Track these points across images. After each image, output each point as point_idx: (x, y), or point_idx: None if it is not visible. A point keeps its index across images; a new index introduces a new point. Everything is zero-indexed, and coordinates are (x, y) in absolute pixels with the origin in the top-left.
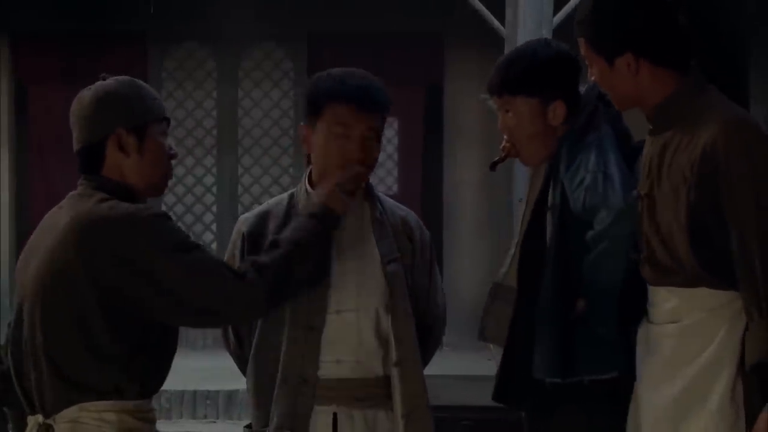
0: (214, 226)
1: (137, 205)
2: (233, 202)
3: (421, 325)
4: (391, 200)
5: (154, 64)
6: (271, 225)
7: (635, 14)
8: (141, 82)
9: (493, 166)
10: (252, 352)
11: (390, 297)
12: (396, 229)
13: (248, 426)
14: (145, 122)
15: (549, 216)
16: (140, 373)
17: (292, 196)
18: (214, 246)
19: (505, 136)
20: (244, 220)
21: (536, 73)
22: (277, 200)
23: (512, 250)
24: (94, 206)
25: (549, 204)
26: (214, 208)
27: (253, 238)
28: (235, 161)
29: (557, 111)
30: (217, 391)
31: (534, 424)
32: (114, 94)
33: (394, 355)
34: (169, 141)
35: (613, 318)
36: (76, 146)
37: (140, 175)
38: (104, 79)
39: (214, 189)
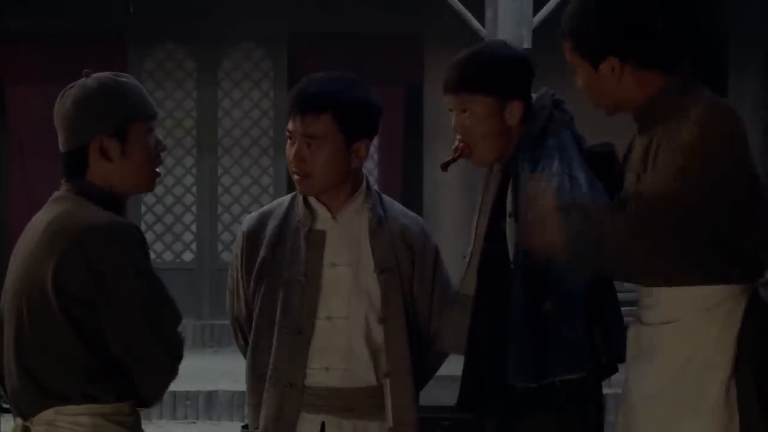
0: (194, 227)
1: (116, 217)
2: (213, 202)
3: (421, 337)
4: (400, 206)
5: (134, 65)
6: (270, 225)
7: (617, 18)
8: (125, 79)
9: (445, 166)
10: (248, 353)
11: (383, 306)
12: (396, 236)
13: (245, 426)
14: (126, 125)
15: (509, 221)
16: (110, 379)
17: (294, 198)
18: (194, 246)
19: (458, 136)
20: (248, 219)
21: (496, 71)
22: (279, 201)
23: (467, 258)
24: (72, 212)
25: (509, 209)
26: (194, 209)
27: (252, 237)
28: (215, 161)
29: (514, 111)
30: (197, 392)
31: (503, 430)
32: (94, 98)
33: (384, 366)
34: (157, 134)
35: (579, 319)
36: (61, 148)
37: (126, 178)
38: (87, 76)
39: (194, 189)
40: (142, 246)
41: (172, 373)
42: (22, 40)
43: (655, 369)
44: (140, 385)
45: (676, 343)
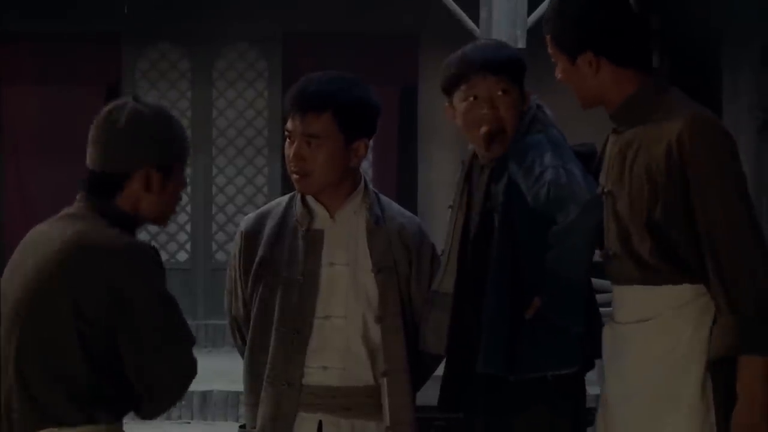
0: (188, 227)
1: (138, 239)
2: (207, 202)
3: (418, 336)
4: (397, 206)
5: (128, 65)
6: (268, 225)
7: (596, 13)
8: (171, 114)
9: (488, 143)
10: (246, 352)
11: (380, 306)
12: (393, 236)
13: (242, 426)
14: (173, 163)
15: (495, 216)
16: (112, 399)
17: (292, 198)
18: (188, 246)
19: (485, 119)
20: (246, 219)
21: (520, 59)
22: (277, 201)
23: (445, 257)
24: (91, 232)
25: (495, 204)
26: (188, 208)
27: (250, 237)
28: (210, 161)
29: (527, 100)
30: (192, 392)
31: (493, 427)
32: (151, 128)
33: (382, 365)
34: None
35: (581, 313)
36: (92, 165)
37: (156, 210)
38: (136, 100)
39: (188, 189)
40: (162, 269)
41: (182, 391)
42: (17, 40)
43: (631, 367)
44: (147, 404)
45: (651, 340)
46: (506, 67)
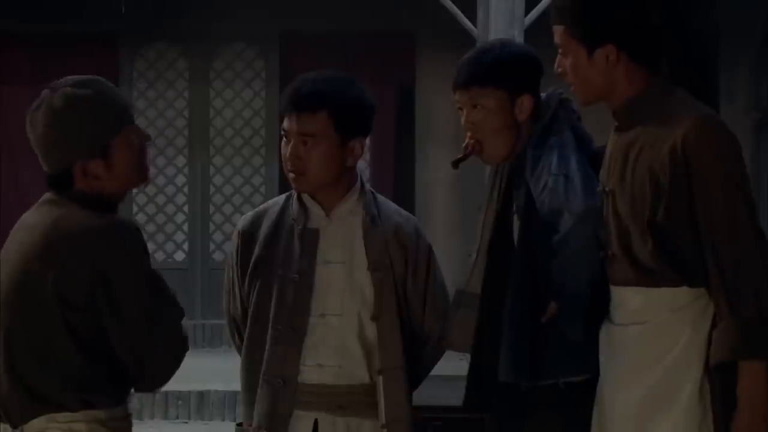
0: (185, 226)
1: (117, 217)
2: (205, 201)
3: (415, 335)
4: (393, 205)
5: (125, 64)
6: (265, 224)
7: (622, 6)
8: (92, 91)
9: (456, 164)
10: (243, 350)
11: (376, 304)
12: (389, 235)
13: (239, 424)
14: (107, 142)
15: (516, 219)
16: (107, 384)
17: (288, 197)
18: (185, 246)
19: (468, 134)
20: (243, 218)
21: (505, 65)
22: (274, 200)
23: (473, 257)
24: (69, 217)
25: (515, 207)
26: (186, 208)
27: (247, 236)
28: (207, 161)
29: (524, 104)
30: (189, 392)
31: (505, 428)
32: (66, 121)
33: (377, 363)
34: (138, 128)
35: (581, 320)
36: (42, 165)
37: (116, 186)
38: (53, 90)
39: (186, 189)
40: (143, 245)
41: (175, 366)
42: (13, 41)
43: (627, 369)
44: (140, 384)
45: (648, 342)
46: (477, 78)
